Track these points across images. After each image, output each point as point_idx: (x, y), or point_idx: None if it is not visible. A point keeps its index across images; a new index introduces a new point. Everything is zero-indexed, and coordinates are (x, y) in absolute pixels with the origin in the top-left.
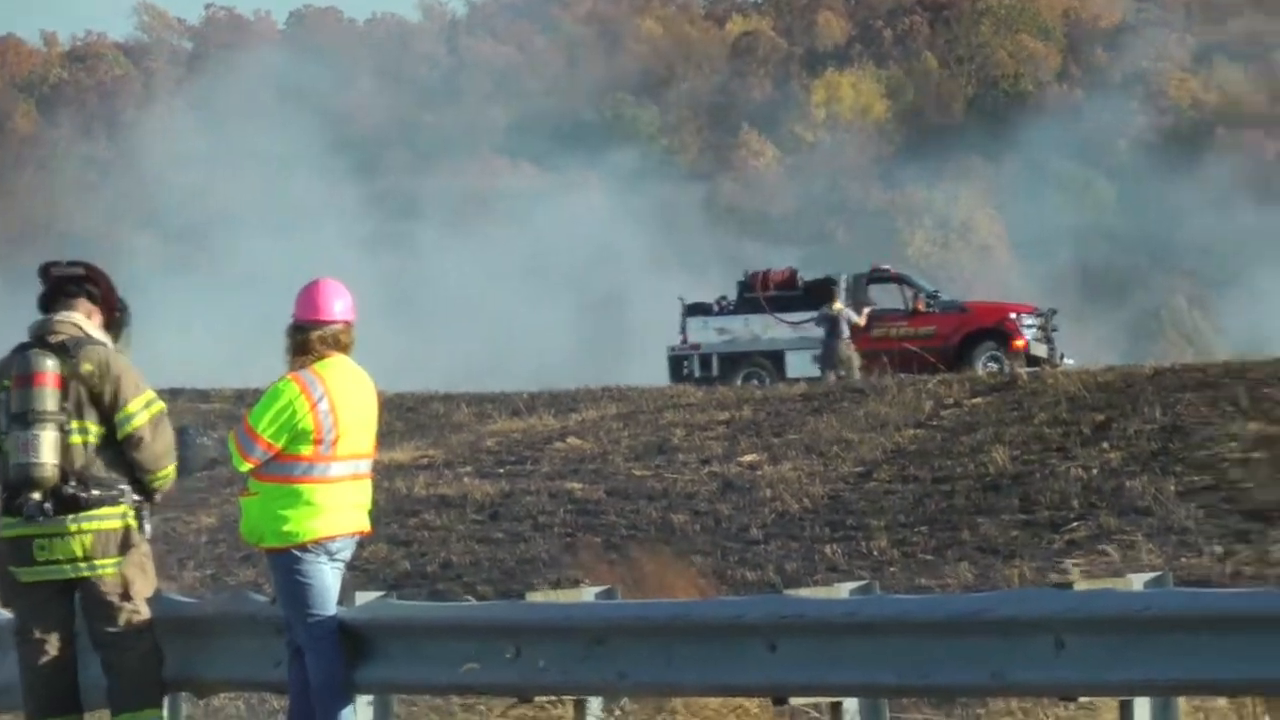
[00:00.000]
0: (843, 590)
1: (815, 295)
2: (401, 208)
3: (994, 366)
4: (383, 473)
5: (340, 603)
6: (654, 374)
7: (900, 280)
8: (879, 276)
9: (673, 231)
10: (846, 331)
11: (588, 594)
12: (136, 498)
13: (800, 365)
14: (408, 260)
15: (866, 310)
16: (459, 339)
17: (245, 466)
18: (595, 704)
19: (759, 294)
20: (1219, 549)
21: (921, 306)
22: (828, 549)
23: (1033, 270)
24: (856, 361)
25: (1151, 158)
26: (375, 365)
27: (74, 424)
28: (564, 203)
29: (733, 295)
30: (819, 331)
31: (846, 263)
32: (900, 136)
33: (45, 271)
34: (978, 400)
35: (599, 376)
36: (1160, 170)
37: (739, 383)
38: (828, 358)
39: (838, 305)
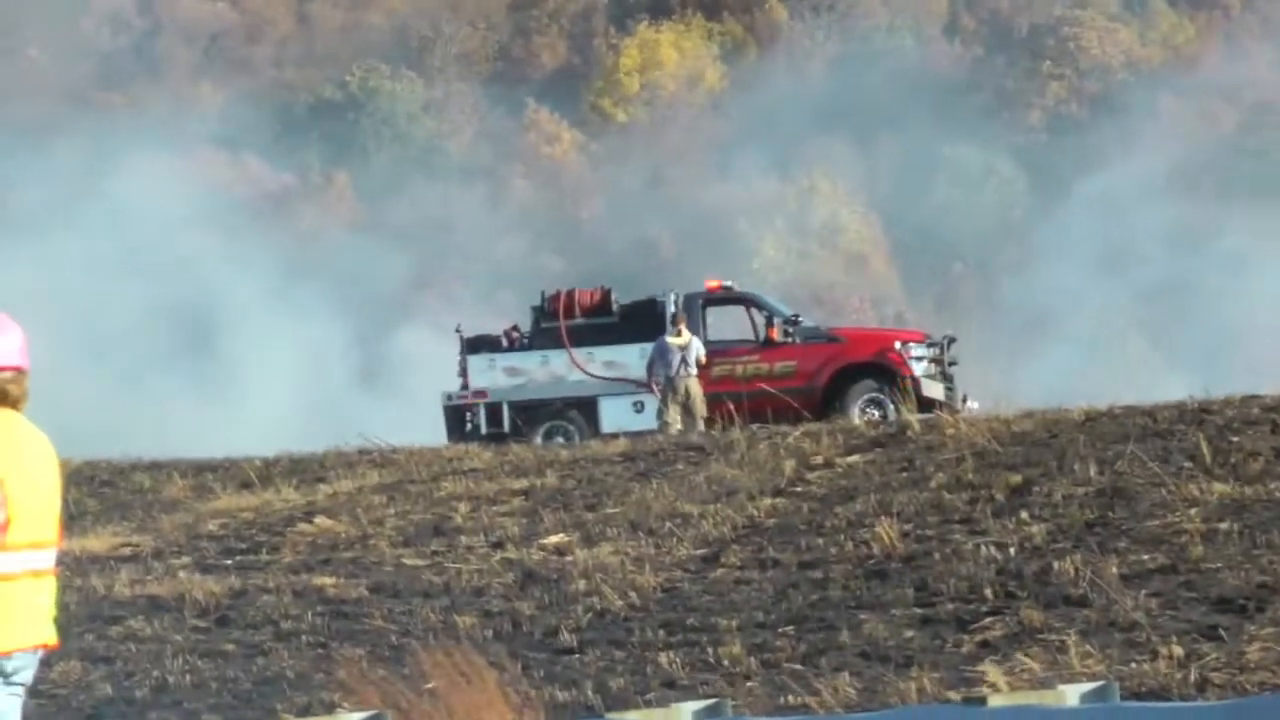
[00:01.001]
0: (685, 713)
1: (635, 322)
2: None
3: (875, 413)
4: (71, 567)
5: None
6: (427, 430)
7: (747, 301)
8: (718, 297)
9: (445, 243)
10: (695, 369)
11: None
12: None
13: (619, 415)
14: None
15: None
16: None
17: None
18: None
19: (561, 323)
20: (1179, 650)
21: (776, 335)
22: (663, 658)
23: (922, 287)
24: (703, 409)
25: (1072, 135)
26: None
27: None
28: (301, 212)
29: (527, 325)
30: (638, 371)
31: (674, 279)
32: (741, 113)
33: None
34: (855, 458)
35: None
36: (1083, 151)
37: (539, 440)
38: (675, 396)
39: (684, 334)
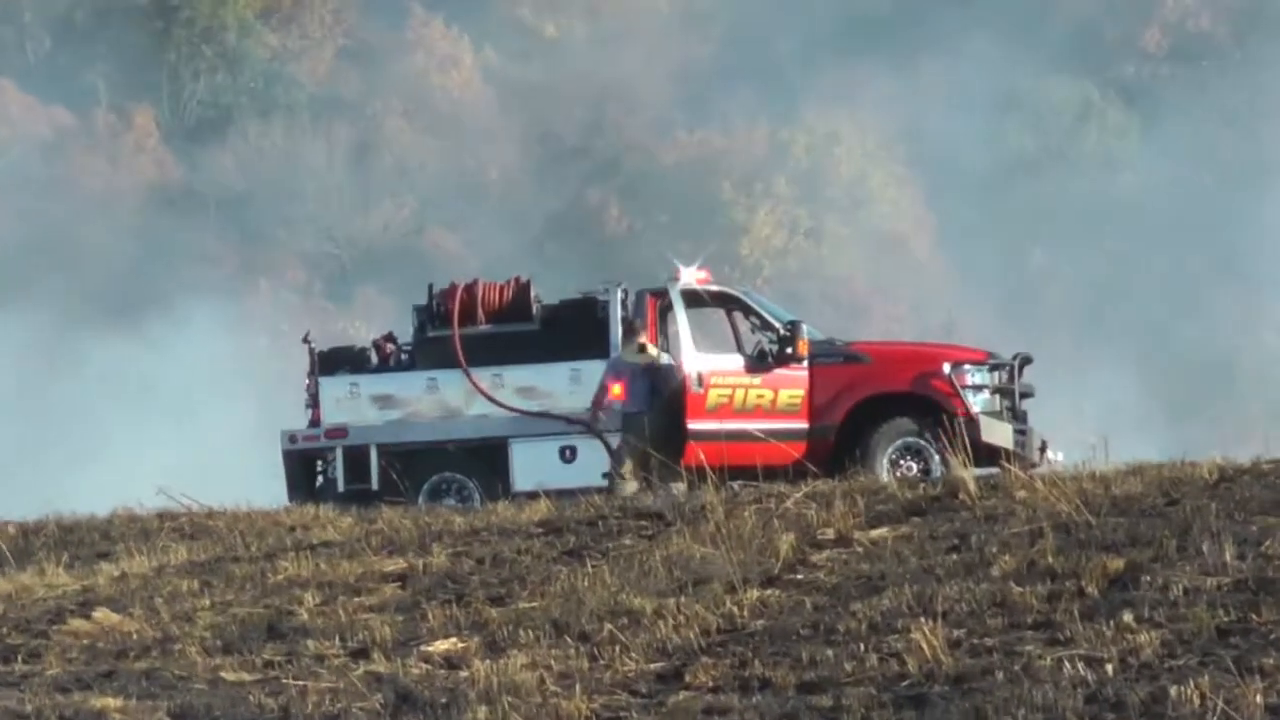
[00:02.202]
0: None
1: (564, 331)
2: None
3: (913, 467)
4: None
5: None
6: (257, 486)
7: (729, 302)
8: (691, 295)
9: (288, 211)
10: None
11: None
12: None
13: (539, 466)
14: None
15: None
16: None
17: None
18: None
19: (455, 330)
20: None
21: (804, 351)
22: None
23: (986, 283)
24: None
25: (1204, 61)
26: None
27: None
28: (81, 163)
29: (407, 333)
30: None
31: (622, 268)
32: (724, 27)
33: None
34: (882, 533)
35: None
36: (1218, 85)
37: (421, 502)
38: (640, 443)
39: (651, 350)
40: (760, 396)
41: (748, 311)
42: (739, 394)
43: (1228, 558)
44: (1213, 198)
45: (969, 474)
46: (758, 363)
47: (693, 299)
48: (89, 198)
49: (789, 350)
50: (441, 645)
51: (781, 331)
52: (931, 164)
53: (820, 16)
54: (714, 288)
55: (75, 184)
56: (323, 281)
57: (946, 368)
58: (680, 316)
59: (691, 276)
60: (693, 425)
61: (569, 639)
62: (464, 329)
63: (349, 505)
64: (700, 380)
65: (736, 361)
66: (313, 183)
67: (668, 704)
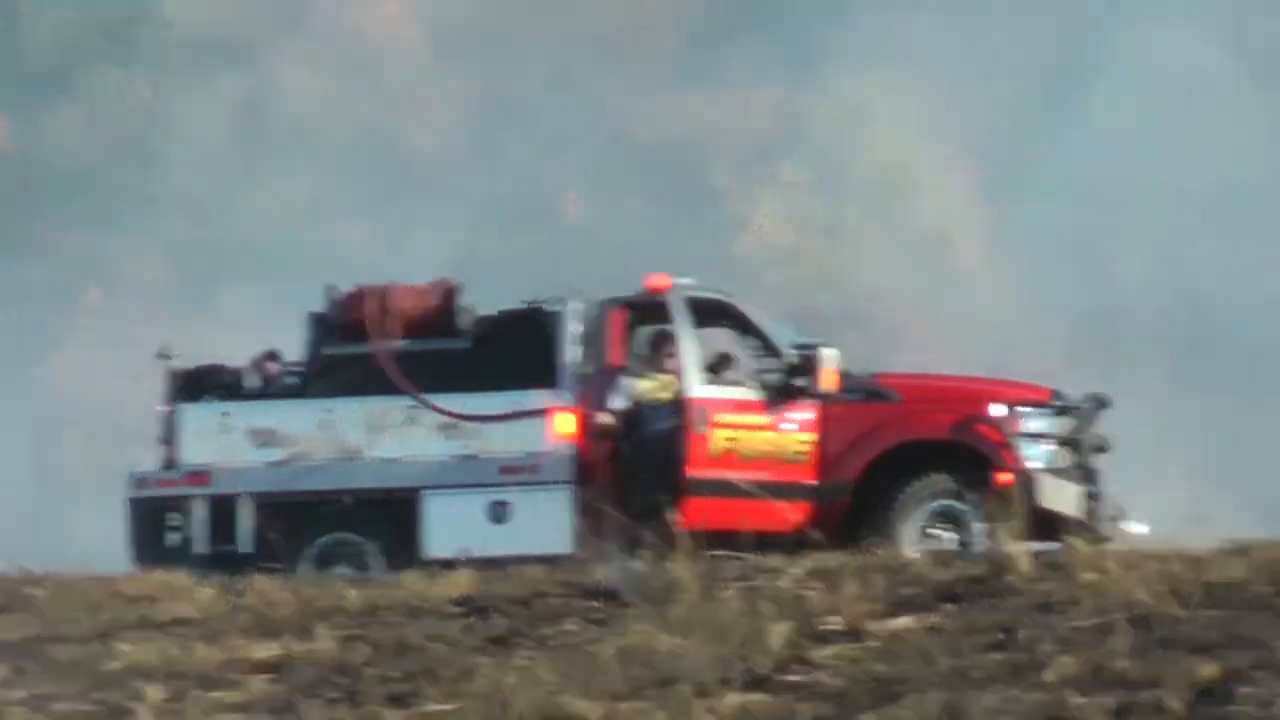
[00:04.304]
0: None
1: (504, 350)
2: None
3: (948, 536)
4: None
5: None
6: (90, 544)
7: (721, 313)
8: (691, 305)
9: (146, 183)
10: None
11: None
12: None
13: (459, 524)
14: None
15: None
16: None
17: None
18: None
19: (374, 346)
20: None
21: (824, 384)
22: None
23: (1055, 302)
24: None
25: None
26: None
27: None
28: None
29: (296, 349)
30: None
31: (579, 272)
32: None
33: None
34: (906, 622)
35: None
36: None
37: (305, 569)
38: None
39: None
40: (769, 441)
41: (746, 330)
42: (745, 437)
43: None
44: None
45: (1021, 548)
46: (778, 396)
47: (665, 314)
48: None
49: (799, 382)
50: None
51: (791, 358)
52: (991, 142)
53: None
54: (709, 297)
55: None
56: (187, 278)
57: (997, 410)
58: (684, 332)
59: (677, 284)
60: (693, 474)
61: None
62: (379, 342)
63: (210, 572)
64: (705, 417)
65: (752, 394)
66: (179, 147)
67: None
